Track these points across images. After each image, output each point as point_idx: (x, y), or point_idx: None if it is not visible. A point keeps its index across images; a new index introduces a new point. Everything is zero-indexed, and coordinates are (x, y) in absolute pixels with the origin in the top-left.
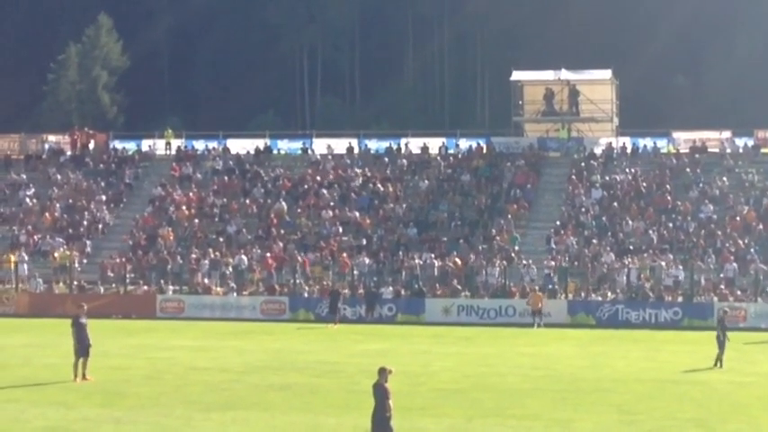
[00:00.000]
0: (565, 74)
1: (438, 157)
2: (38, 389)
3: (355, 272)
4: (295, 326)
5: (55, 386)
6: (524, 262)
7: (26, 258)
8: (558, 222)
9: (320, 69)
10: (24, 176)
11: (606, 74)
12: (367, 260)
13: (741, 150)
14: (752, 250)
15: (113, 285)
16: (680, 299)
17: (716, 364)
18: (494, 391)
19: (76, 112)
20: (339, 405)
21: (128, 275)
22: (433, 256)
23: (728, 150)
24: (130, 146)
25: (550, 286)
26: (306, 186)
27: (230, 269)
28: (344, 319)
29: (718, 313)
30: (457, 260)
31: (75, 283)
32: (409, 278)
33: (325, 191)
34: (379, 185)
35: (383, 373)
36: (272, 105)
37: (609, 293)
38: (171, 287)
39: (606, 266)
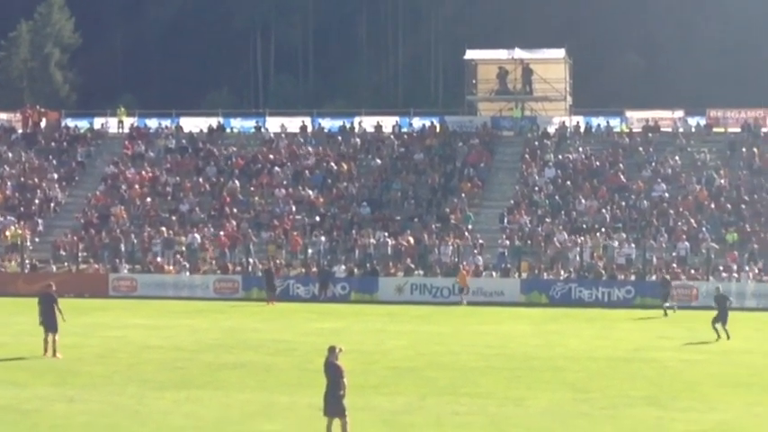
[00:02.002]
0: (518, 53)
1: (391, 136)
2: None
3: (309, 250)
4: (248, 304)
5: (6, 365)
6: (478, 241)
7: None
8: (511, 201)
9: (274, 47)
10: None
11: (560, 53)
12: (321, 239)
13: (693, 130)
14: (704, 229)
15: (65, 264)
16: (632, 277)
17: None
18: (447, 370)
19: (28, 90)
20: (293, 383)
21: (80, 254)
22: (386, 234)
23: (681, 130)
24: (83, 124)
25: (504, 265)
26: (259, 165)
27: (183, 248)
28: (297, 297)
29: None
30: (410, 239)
31: (27, 261)
32: (362, 257)
33: (278, 169)
34: (333, 164)
35: (333, 351)
36: (225, 83)
37: (562, 272)
38: (124, 266)
39: (559, 245)
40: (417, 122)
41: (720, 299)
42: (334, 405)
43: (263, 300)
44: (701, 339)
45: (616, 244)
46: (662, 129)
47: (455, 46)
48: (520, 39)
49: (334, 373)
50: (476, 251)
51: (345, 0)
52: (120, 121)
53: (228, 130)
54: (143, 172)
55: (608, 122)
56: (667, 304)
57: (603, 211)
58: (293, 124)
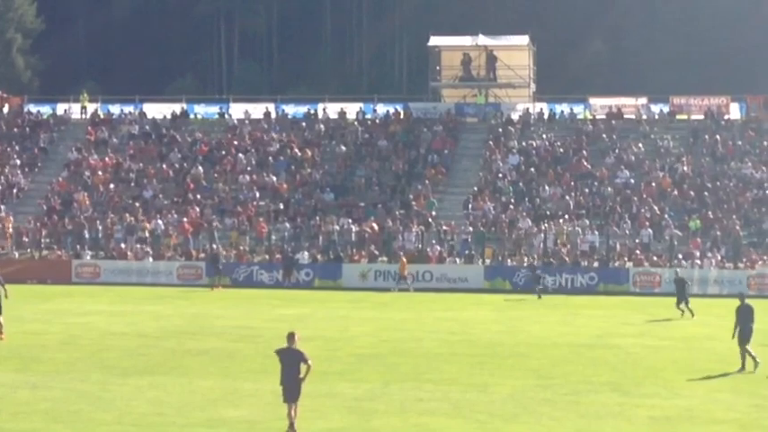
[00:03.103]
0: (482, 39)
1: (355, 123)
2: None
3: (273, 237)
4: (211, 291)
5: None
6: (442, 227)
7: None
8: (475, 188)
9: (237, 33)
10: None
11: (523, 39)
12: (285, 225)
13: (657, 117)
14: (667, 216)
15: (28, 250)
16: (596, 264)
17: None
18: (411, 356)
19: None
20: (257, 370)
21: (43, 240)
22: (350, 221)
23: (644, 117)
24: (45, 110)
25: (467, 251)
26: (223, 151)
27: (147, 234)
28: (261, 284)
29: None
30: (374, 225)
31: None
32: (326, 243)
33: (242, 156)
34: (297, 150)
35: (292, 337)
36: (189, 69)
37: (525, 258)
38: (87, 252)
39: (523, 232)
40: (381, 109)
41: (679, 282)
42: (294, 391)
43: (226, 286)
44: (664, 326)
45: (579, 230)
46: (625, 116)
47: (419, 32)
48: (484, 25)
49: (295, 359)
50: (437, 238)
51: None
52: (84, 107)
53: (192, 117)
54: (106, 158)
55: (572, 109)
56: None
57: (567, 197)
58: (257, 111)
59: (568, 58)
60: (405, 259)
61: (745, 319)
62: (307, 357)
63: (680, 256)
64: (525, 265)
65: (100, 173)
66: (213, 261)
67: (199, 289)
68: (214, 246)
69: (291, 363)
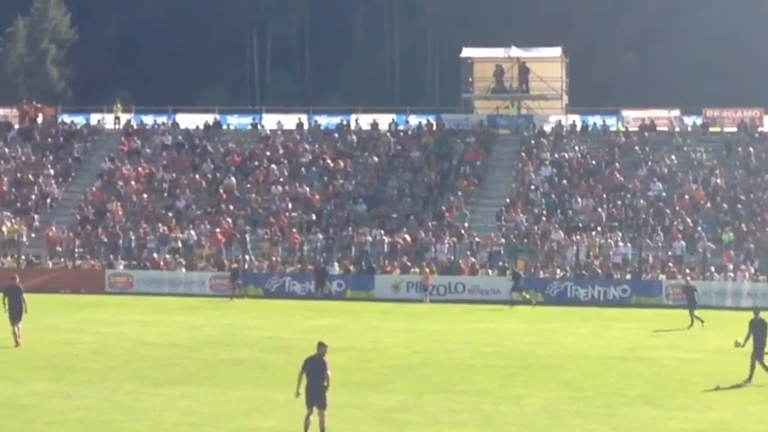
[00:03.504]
0: (515, 51)
1: (388, 134)
2: None
3: (305, 248)
4: (244, 301)
5: (3, 361)
6: (474, 239)
7: None
8: (507, 199)
9: (270, 44)
10: None
11: (556, 51)
12: (318, 236)
13: (690, 129)
14: (699, 228)
15: (62, 260)
16: (628, 276)
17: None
18: (443, 368)
19: (24, 86)
20: (289, 380)
21: (76, 250)
22: (382, 232)
23: (677, 129)
24: (79, 120)
25: (500, 263)
26: (255, 162)
27: (179, 244)
28: (293, 295)
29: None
30: (406, 236)
31: (23, 257)
32: (359, 254)
33: (274, 166)
34: (329, 161)
35: (322, 347)
36: (221, 80)
37: (558, 270)
38: (120, 262)
39: (555, 243)
40: (414, 120)
41: (688, 290)
42: (319, 396)
43: (259, 296)
44: (696, 338)
45: (612, 242)
46: (658, 128)
47: (451, 44)
48: (516, 37)
49: (321, 367)
50: (469, 250)
51: None
52: (117, 118)
53: (225, 127)
54: (139, 168)
55: (604, 121)
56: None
57: (599, 209)
58: (290, 121)
59: (601, 69)
60: (428, 270)
61: (759, 333)
62: (327, 367)
63: (712, 269)
64: (507, 272)
65: (133, 183)
66: (233, 275)
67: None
68: (242, 257)
69: (313, 372)
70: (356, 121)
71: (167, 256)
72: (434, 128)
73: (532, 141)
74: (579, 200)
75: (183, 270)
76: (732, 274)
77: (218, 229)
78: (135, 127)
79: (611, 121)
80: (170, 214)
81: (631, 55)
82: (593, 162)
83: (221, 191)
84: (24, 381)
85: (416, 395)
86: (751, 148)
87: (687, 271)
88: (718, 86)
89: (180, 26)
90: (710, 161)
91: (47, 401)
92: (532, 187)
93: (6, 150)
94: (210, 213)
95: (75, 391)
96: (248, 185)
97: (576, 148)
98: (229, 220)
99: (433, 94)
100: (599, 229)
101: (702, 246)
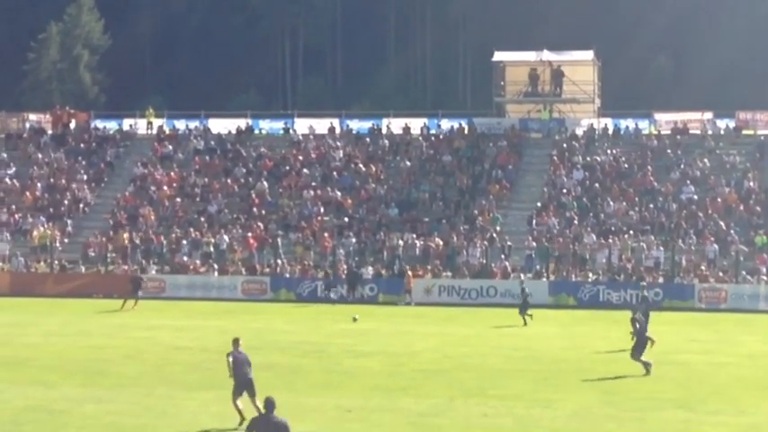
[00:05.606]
0: (547, 55)
1: (420, 138)
2: (18, 368)
3: (341, 251)
4: (276, 306)
5: (36, 366)
6: (506, 243)
7: (8, 238)
8: (539, 203)
9: (302, 49)
10: (5, 155)
11: (588, 55)
12: (350, 240)
13: (722, 132)
14: (732, 232)
15: (95, 265)
16: (661, 279)
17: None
18: (475, 372)
19: (57, 91)
20: (321, 385)
21: (108, 255)
22: (414, 236)
23: (710, 132)
24: (112, 125)
25: (532, 267)
26: (287, 166)
27: (211, 249)
28: (326, 299)
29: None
30: (438, 240)
31: (56, 262)
32: (391, 258)
33: (306, 171)
34: (361, 165)
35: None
36: (253, 85)
37: (590, 274)
38: (152, 266)
39: (587, 247)
40: (445, 124)
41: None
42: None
43: (291, 301)
44: (729, 342)
45: (644, 246)
46: (690, 131)
47: (483, 48)
48: (547, 41)
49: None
50: (501, 253)
51: (373, 1)
52: (149, 123)
53: (257, 132)
54: (171, 173)
55: (636, 125)
56: None
57: (631, 213)
58: (321, 125)
59: (633, 73)
60: (411, 273)
61: None
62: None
63: (744, 272)
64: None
65: (165, 188)
66: (135, 285)
67: (263, 303)
68: (273, 261)
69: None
70: (388, 125)
71: (199, 261)
72: (466, 132)
73: (564, 145)
74: (611, 203)
75: (215, 274)
76: (765, 277)
77: (249, 234)
78: (167, 132)
79: (644, 125)
80: (202, 219)
81: (663, 58)
82: (626, 165)
83: (253, 195)
84: (56, 385)
85: (448, 399)
86: None
87: (720, 274)
88: (751, 89)
89: (212, 32)
90: (743, 164)
91: (79, 406)
92: (564, 191)
93: (40, 156)
94: (242, 218)
95: (107, 395)
96: (280, 190)
97: (609, 151)
98: (261, 225)
99: (465, 98)
100: (631, 232)
101: (735, 249)
